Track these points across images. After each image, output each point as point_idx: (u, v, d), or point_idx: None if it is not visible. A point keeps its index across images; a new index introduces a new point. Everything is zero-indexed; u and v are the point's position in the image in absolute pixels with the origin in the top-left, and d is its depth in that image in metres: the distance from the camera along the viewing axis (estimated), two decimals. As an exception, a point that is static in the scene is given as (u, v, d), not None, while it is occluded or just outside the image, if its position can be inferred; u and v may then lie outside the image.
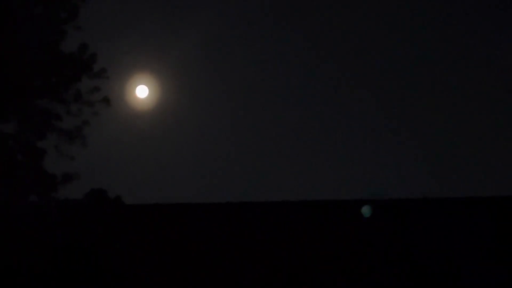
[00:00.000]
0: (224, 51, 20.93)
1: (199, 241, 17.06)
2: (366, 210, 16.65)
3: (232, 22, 20.62)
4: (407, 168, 20.14)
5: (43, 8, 15.89)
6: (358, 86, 21.45)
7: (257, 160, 20.11)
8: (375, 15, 21.32)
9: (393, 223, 17.01)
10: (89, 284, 16.06)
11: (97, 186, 16.64)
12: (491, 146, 20.30)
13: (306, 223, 17.21)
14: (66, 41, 16.05)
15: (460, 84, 21.03)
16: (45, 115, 15.89)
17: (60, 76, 15.97)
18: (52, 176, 16.06)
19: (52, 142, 16.04)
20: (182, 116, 19.73)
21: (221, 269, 16.81)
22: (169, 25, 20.40)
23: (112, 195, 16.72)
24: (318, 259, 16.79)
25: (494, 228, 16.82)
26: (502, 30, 21.05)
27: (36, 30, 15.48)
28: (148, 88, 18.87)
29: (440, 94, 21.27)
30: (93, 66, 16.27)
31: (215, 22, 20.35)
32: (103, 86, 16.45)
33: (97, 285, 16.05)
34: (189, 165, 19.21)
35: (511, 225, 16.88)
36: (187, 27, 19.90)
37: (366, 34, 21.37)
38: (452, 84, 21.05)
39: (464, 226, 16.95)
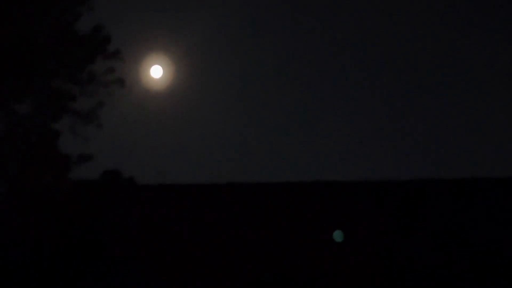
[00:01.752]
0: (241, 30, 20.81)
1: (213, 221, 17.13)
2: (337, 235, 16.58)
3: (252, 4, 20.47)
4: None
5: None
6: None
7: (273, 140, 20.05)
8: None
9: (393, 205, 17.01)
10: (103, 264, 16.22)
11: (111, 167, 16.73)
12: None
13: (312, 204, 17.24)
14: (80, 23, 16.08)
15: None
16: (60, 96, 15.97)
17: (74, 57, 16.02)
18: (66, 157, 16.17)
19: (67, 123, 16.15)
20: (197, 96, 19.69)
21: (237, 249, 16.91)
22: (185, 4, 20.29)
23: (126, 175, 16.81)
24: (321, 241, 16.85)
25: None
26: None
27: (51, 11, 15.51)
28: (163, 68, 18.83)
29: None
30: (107, 47, 16.31)
31: (234, 2, 20.25)
32: (118, 67, 16.50)
33: (110, 265, 16.20)
34: (204, 145, 19.19)
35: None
36: (204, 7, 19.80)
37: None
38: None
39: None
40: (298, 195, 17.36)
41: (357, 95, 20.82)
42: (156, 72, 18.76)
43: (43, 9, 15.37)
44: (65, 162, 16.13)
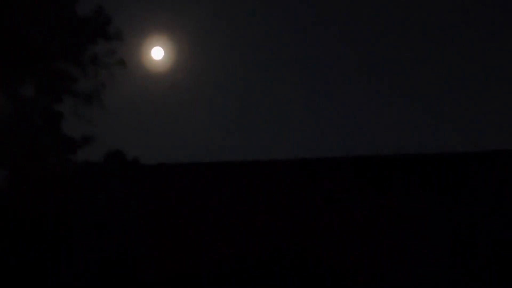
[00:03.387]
0: (240, 12, 20.87)
1: (218, 199, 17.21)
2: None
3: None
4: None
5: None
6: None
7: (275, 118, 20.18)
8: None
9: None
10: (109, 244, 16.32)
11: (115, 148, 16.80)
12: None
13: (311, 181, 17.31)
14: (81, 4, 16.14)
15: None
16: (62, 78, 16.03)
17: (76, 39, 16.07)
18: (70, 138, 16.25)
19: (70, 105, 16.22)
20: (198, 77, 19.78)
21: (240, 226, 16.98)
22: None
23: (130, 156, 16.89)
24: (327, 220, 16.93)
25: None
26: None
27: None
28: (164, 50, 18.88)
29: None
30: (108, 29, 16.35)
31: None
32: (119, 49, 16.55)
33: (116, 245, 16.30)
34: (205, 125, 19.30)
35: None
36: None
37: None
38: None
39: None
40: (300, 171, 17.45)
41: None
42: (158, 53, 18.83)
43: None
44: (69, 144, 16.21)
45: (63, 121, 16.26)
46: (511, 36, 20.79)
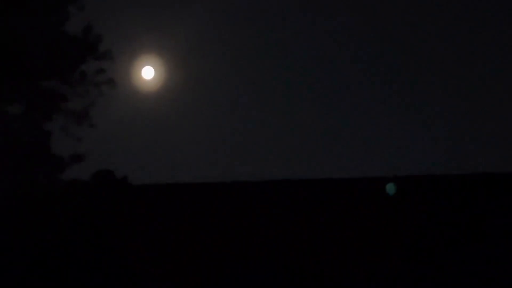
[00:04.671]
0: (231, 31, 20.87)
1: (207, 220, 17.11)
2: (390, 188, 16.51)
3: (243, 3, 20.54)
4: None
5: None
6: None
7: (263, 139, 20.11)
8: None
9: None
10: (96, 264, 16.16)
11: (104, 167, 16.70)
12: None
13: (314, 201, 17.24)
14: (70, 22, 16.10)
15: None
16: (51, 96, 15.97)
17: (65, 57, 16.02)
18: (59, 157, 16.16)
19: (59, 124, 16.14)
20: (188, 97, 19.73)
21: (229, 249, 16.87)
22: (176, 4, 20.34)
23: (119, 175, 16.79)
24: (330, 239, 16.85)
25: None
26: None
27: (40, 11, 15.52)
28: (154, 69, 18.86)
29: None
30: (98, 47, 16.32)
31: (225, 3, 20.31)
32: (109, 67, 16.53)
33: (104, 265, 16.14)
34: (196, 145, 19.22)
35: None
36: (195, 7, 19.83)
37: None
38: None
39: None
40: (294, 193, 17.39)
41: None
42: (148, 73, 18.79)
43: (33, 9, 15.36)
44: (58, 163, 16.11)
45: (52, 139, 16.18)
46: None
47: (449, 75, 21.03)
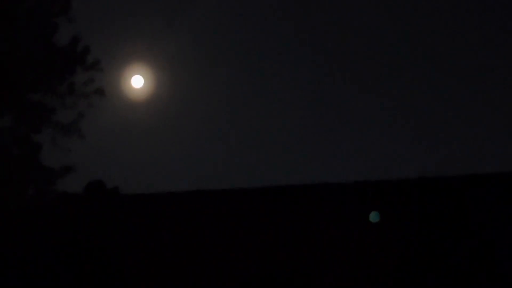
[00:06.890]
0: (220, 41, 20.92)
1: (198, 229, 17.12)
2: (374, 217, 16.57)
3: (228, 12, 20.58)
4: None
5: (35, 2, 15.85)
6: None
7: (250, 147, 20.17)
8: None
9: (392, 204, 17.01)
10: (89, 275, 16.16)
11: (94, 177, 16.69)
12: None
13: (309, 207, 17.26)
14: (59, 34, 16.03)
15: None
16: (40, 108, 15.89)
17: (53, 69, 15.95)
18: (49, 169, 16.09)
19: (48, 136, 16.07)
20: (178, 105, 19.75)
21: (222, 258, 16.88)
22: (165, 14, 20.38)
23: (110, 185, 16.78)
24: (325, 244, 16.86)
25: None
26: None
27: (29, 23, 15.47)
28: (144, 78, 18.86)
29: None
30: (86, 58, 16.25)
31: (211, 12, 20.34)
32: (98, 78, 16.46)
33: (96, 275, 16.15)
34: (185, 153, 19.26)
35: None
36: (183, 17, 19.88)
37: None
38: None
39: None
40: (287, 198, 17.43)
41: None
42: (137, 82, 18.80)
43: (21, 22, 15.31)
44: (49, 175, 16.05)
45: (42, 151, 16.12)
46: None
47: (446, 78, 21.08)
